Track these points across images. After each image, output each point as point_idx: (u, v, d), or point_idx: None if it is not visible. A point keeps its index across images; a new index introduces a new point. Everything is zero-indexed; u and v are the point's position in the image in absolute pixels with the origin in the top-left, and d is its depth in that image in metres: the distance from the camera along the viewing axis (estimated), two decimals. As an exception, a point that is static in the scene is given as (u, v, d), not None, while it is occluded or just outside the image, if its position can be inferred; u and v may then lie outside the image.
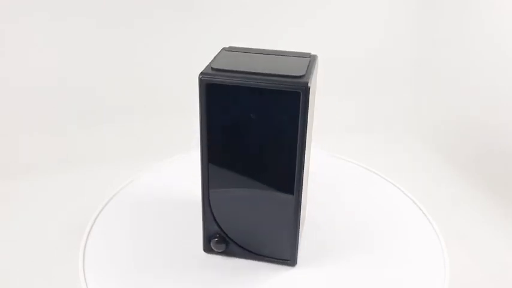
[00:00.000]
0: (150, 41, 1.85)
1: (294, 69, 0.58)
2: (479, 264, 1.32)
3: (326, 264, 0.68)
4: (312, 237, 0.71)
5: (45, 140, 1.74)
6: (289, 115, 0.56)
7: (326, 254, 0.69)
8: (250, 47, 0.65)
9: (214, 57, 0.61)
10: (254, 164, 0.60)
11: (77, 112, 1.81)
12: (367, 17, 1.99)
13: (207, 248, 0.67)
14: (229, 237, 0.66)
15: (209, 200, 0.63)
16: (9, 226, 1.42)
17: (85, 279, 0.64)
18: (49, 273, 1.25)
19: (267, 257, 0.66)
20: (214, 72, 0.56)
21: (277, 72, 0.56)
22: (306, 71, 0.57)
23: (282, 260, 0.66)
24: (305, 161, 0.60)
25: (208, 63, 0.59)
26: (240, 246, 0.66)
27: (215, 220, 0.64)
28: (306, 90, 0.54)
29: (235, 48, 0.64)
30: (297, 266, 0.67)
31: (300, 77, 0.55)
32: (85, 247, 0.70)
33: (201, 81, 0.56)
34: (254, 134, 0.58)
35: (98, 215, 0.77)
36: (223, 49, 0.64)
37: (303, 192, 0.62)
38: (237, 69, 0.57)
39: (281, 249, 0.65)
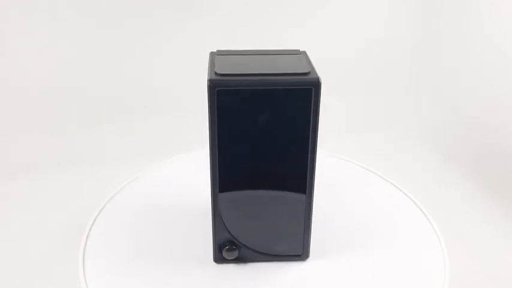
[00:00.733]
0: (150, 41, 1.85)
1: (298, 66, 0.58)
2: (479, 264, 1.32)
3: (326, 264, 0.68)
4: (312, 237, 0.71)
5: (45, 140, 1.74)
6: (302, 112, 0.57)
7: (326, 254, 0.69)
8: (237, 49, 0.64)
9: (212, 62, 0.59)
10: (266, 166, 0.60)
11: (77, 112, 1.81)
12: (367, 17, 1.99)
13: (219, 258, 0.66)
14: (240, 243, 0.65)
15: (219, 208, 0.62)
16: (9, 226, 1.42)
17: (85, 279, 0.64)
18: (49, 273, 1.25)
19: (279, 255, 0.66)
20: (222, 77, 0.55)
21: (284, 71, 0.56)
22: (311, 67, 0.58)
23: (294, 256, 0.67)
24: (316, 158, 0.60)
25: (208, 69, 0.58)
26: (251, 249, 0.65)
27: (225, 227, 0.63)
28: (318, 86, 0.55)
29: (223, 51, 0.63)
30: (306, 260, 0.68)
31: (308, 73, 0.56)
32: (85, 247, 0.70)
33: (212, 88, 0.55)
34: (265, 135, 0.58)
35: (98, 215, 0.77)
36: (213, 53, 0.63)
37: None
38: (244, 72, 0.56)
39: (292, 245, 0.66)
